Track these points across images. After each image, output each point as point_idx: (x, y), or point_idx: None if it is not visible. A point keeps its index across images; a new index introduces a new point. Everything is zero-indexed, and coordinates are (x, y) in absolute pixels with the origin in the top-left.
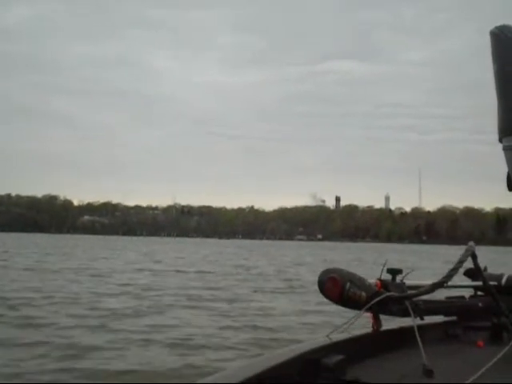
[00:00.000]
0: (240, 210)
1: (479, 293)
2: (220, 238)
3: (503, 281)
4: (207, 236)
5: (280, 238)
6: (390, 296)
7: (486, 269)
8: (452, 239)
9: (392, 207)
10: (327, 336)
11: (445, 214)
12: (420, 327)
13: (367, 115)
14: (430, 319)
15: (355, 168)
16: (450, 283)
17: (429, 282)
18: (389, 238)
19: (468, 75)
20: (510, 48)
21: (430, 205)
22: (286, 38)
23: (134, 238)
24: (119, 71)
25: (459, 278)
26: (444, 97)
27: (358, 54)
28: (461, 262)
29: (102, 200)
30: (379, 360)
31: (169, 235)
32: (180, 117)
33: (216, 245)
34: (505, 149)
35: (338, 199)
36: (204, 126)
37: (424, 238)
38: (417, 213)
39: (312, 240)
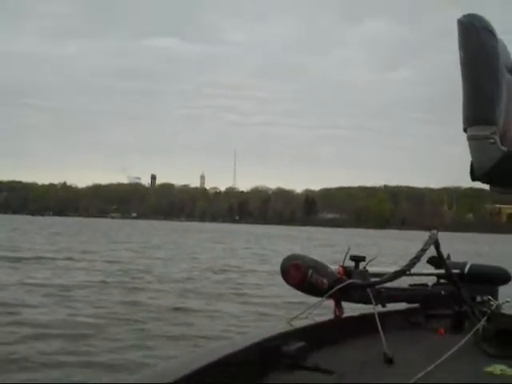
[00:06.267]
0: (51, 185)
1: (442, 281)
2: (32, 214)
3: (466, 269)
4: (17, 212)
5: (93, 216)
6: (352, 283)
7: (449, 257)
8: (264, 219)
9: (207, 187)
10: (288, 322)
11: (258, 194)
12: (382, 315)
13: (188, 94)
14: (392, 307)
15: (173, 147)
16: (413, 271)
17: (392, 269)
18: (203, 217)
19: (287, 59)
20: (476, 37)
21: (245, 185)
22: (109, 10)
23: None
24: None
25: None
26: (263, 80)
27: (182, 32)
28: (423, 250)
29: None
30: (340, 347)
31: None
32: None
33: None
34: (469, 139)
35: (153, 177)
36: (16, 97)
37: (237, 217)
38: (231, 192)
39: (127, 218)
